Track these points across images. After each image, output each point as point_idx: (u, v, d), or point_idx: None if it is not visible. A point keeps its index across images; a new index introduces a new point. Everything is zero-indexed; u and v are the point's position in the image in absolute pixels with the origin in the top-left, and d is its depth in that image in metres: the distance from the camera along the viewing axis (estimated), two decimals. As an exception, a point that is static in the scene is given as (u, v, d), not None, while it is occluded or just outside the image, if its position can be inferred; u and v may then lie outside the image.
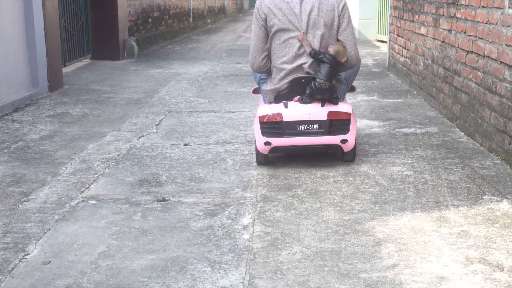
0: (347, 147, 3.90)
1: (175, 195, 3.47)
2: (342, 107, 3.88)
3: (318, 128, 3.83)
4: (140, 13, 11.24)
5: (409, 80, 6.89)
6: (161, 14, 12.72)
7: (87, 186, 3.64)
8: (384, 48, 10.59)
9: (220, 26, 18.52)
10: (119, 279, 2.50)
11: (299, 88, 3.88)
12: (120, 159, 4.18)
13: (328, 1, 3.87)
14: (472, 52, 4.66)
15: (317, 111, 3.83)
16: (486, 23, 4.34)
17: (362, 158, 4.14)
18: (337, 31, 3.91)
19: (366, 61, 9.25)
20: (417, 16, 6.57)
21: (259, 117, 3.86)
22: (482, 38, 4.43)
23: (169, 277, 2.51)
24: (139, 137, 4.76)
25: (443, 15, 5.49)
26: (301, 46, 3.86)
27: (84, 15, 9.37)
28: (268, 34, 3.93)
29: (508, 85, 3.93)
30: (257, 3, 3.95)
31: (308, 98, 3.84)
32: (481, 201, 3.32)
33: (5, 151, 4.39)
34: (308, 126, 3.83)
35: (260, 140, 3.87)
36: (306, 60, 3.87)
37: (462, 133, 4.78)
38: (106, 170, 3.94)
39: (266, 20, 3.89)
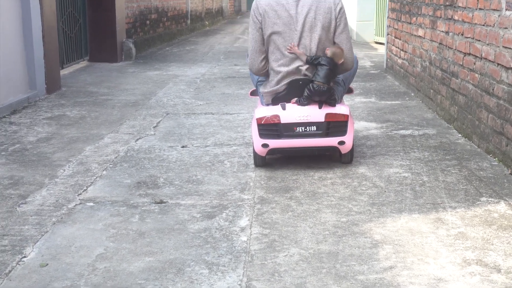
0: (344, 149, 3.90)
1: (172, 197, 3.47)
2: (340, 109, 3.89)
3: (315, 130, 3.83)
4: (138, 15, 11.24)
5: (407, 82, 6.90)
6: (159, 16, 12.72)
7: (85, 188, 3.63)
8: (382, 50, 10.61)
9: (218, 28, 18.53)
10: (117, 281, 2.50)
11: (297, 90, 3.89)
12: (117, 161, 4.18)
13: (325, 3, 3.87)
14: (469, 54, 4.67)
15: (314, 113, 3.83)
16: (483, 25, 4.35)
17: (360, 160, 4.14)
18: (334, 33, 3.91)
19: (363, 63, 9.26)
20: (414, 18, 6.58)
21: (257, 119, 3.86)
22: (479, 40, 4.44)
23: (166, 279, 2.51)
24: (137, 139, 4.76)
25: (441, 17, 5.50)
26: (298, 47, 3.86)
27: (82, 17, 9.37)
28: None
29: (505, 87, 3.94)
30: (253, 5, 3.96)
31: (306, 100, 3.84)
32: (478, 202, 3.33)
33: (2, 153, 4.38)
34: (306, 128, 3.83)
35: (257, 142, 3.87)
36: (303, 62, 3.87)
37: (460, 135, 4.78)
38: (104, 172, 3.94)
39: (262, 22, 3.89)
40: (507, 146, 3.90)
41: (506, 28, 3.93)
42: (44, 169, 4.01)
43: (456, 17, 5.02)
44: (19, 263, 2.67)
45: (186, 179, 3.79)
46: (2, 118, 5.51)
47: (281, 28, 3.86)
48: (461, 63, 4.88)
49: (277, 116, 3.83)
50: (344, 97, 4.52)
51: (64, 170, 3.99)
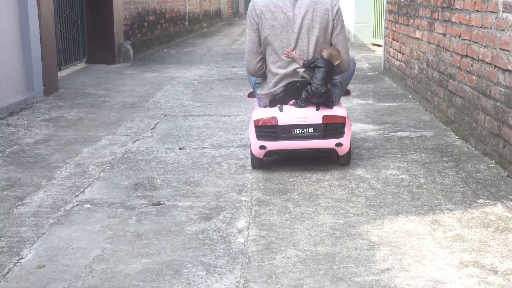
0: (342, 150, 3.91)
1: (170, 199, 3.47)
2: (337, 110, 3.89)
3: (313, 132, 3.84)
4: (135, 17, 11.24)
5: (404, 84, 6.91)
6: (156, 18, 12.72)
7: (82, 190, 3.63)
8: (379, 52, 10.62)
9: (216, 30, 18.54)
10: (114, 283, 2.50)
11: (294, 92, 3.89)
12: (115, 163, 4.18)
13: (322, 4, 3.88)
14: (466, 56, 4.68)
15: (312, 115, 3.83)
16: (480, 27, 4.36)
17: (357, 161, 4.14)
18: (331, 35, 3.91)
19: (361, 65, 9.27)
20: (412, 20, 6.59)
21: (254, 121, 3.87)
22: (476, 42, 4.45)
23: (163, 281, 2.51)
24: (134, 141, 4.76)
25: (438, 19, 5.51)
26: (295, 49, 3.86)
27: (80, 19, 9.37)
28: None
29: (502, 89, 3.95)
30: (250, 7, 3.96)
31: (304, 102, 3.85)
32: (475, 204, 3.33)
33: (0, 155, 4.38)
34: (303, 130, 3.84)
35: (255, 144, 3.87)
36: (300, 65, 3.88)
37: (457, 137, 4.79)
38: (101, 174, 3.94)
39: (259, 23, 3.89)
40: (504, 148, 3.91)
41: (503, 30, 3.93)
42: (41, 170, 4.01)
43: (453, 19, 5.03)
44: (16, 264, 2.66)
45: (184, 181, 3.79)
46: (-1, 119, 5.51)
47: (278, 30, 3.86)
48: (458, 65, 4.89)
49: (274, 118, 3.83)
50: (341, 99, 4.53)
51: (61, 171, 3.99)
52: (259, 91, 4.04)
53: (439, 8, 5.47)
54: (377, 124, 5.27)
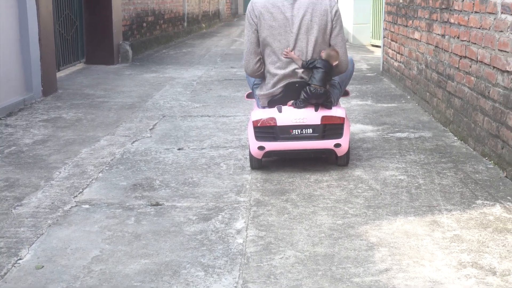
0: (340, 151, 3.91)
1: (168, 200, 3.47)
2: (336, 111, 3.89)
3: (311, 133, 3.84)
4: (134, 18, 11.24)
5: (403, 85, 6.92)
6: (155, 19, 12.72)
7: (81, 190, 3.63)
8: (378, 52, 10.63)
9: (215, 30, 18.54)
10: (112, 283, 2.49)
11: (293, 93, 3.89)
12: (113, 163, 4.18)
13: (321, 5, 3.88)
14: (465, 57, 4.68)
15: (310, 116, 3.83)
16: (479, 28, 4.36)
17: (356, 162, 4.14)
18: (330, 35, 3.91)
19: (360, 65, 9.27)
20: (410, 21, 6.60)
21: (253, 122, 3.87)
22: (475, 43, 4.45)
23: (162, 281, 2.51)
24: (133, 142, 4.76)
25: (437, 20, 5.51)
26: (294, 49, 3.86)
27: (79, 20, 9.36)
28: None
29: (501, 90, 3.95)
30: (249, 7, 3.96)
31: (303, 102, 3.85)
32: (474, 205, 3.33)
33: (-2, 155, 4.38)
34: (302, 131, 3.84)
35: (254, 145, 3.88)
36: (299, 66, 3.88)
37: (455, 138, 4.80)
38: (100, 174, 3.94)
39: (258, 24, 3.90)
40: (502, 149, 3.91)
41: (501, 31, 3.94)
42: (40, 171, 4.01)
43: (452, 20, 5.03)
44: (15, 265, 2.66)
45: (182, 182, 3.79)
46: (-2, 120, 5.51)
47: (277, 31, 3.86)
48: (457, 66, 4.89)
49: (273, 119, 3.83)
50: (340, 99, 4.53)
51: (60, 172, 3.98)
52: (257, 92, 4.04)
53: (438, 9, 5.47)
54: (375, 125, 5.27)
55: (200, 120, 5.56)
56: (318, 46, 3.88)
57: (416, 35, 6.30)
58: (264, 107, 4.01)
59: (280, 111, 3.86)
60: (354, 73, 4.47)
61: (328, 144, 3.86)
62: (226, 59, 10.55)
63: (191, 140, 4.80)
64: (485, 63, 4.23)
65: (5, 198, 3.49)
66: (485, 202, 3.38)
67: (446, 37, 5.19)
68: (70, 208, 3.35)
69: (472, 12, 4.52)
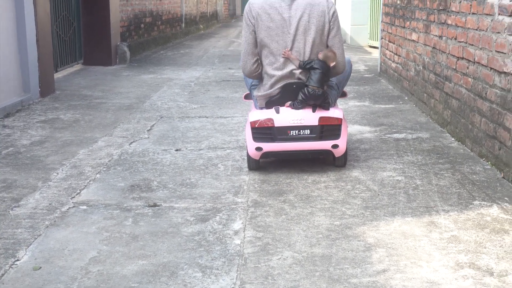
0: (338, 152, 3.91)
1: (166, 201, 3.47)
2: (333, 112, 3.90)
3: (309, 134, 3.84)
4: (132, 19, 11.24)
5: (401, 86, 6.92)
6: (153, 20, 12.72)
7: (78, 191, 3.63)
8: (376, 54, 10.64)
9: (213, 31, 18.55)
10: (110, 284, 2.49)
11: (291, 94, 3.89)
12: (111, 164, 4.18)
13: (318, 6, 3.88)
14: (462, 58, 4.69)
15: (308, 117, 3.84)
16: (476, 30, 4.37)
17: (353, 163, 4.15)
18: (327, 37, 3.92)
19: (357, 66, 9.28)
20: (408, 22, 6.61)
21: (251, 123, 3.87)
22: (472, 45, 4.46)
23: (160, 282, 2.51)
24: (131, 143, 4.76)
25: (434, 21, 5.52)
26: (291, 50, 3.87)
27: (76, 21, 9.36)
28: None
29: (498, 91, 3.96)
30: (246, 8, 3.96)
31: (300, 103, 3.85)
32: (471, 206, 3.34)
33: (-4, 156, 4.38)
34: (299, 132, 3.84)
35: (251, 146, 3.88)
36: (296, 66, 3.88)
37: (453, 139, 4.80)
38: (97, 175, 3.93)
39: (255, 25, 3.90)
40: (499, 150, 3.92)
41: (498, 32, 3.95)
42: (37, 172, 4.01)
43: (449, 22, 5.04)
44: (12, 266, 2.66)
45: (180, 183, 3.79)
46: (-5, 121, 5.51)
47: (274, 31, 3.86)
48: (454, 67, 4.90)
49: (271, 120, 3.84)
50: (338, 100, 4.53)
51: (57, 173, 3.98)
52: (255, 93, 4.05)
53: (435, 10, 5.48)
54: (373, 126, 5.28)
55: (198, 121, 5.56)
56: (316, 47, 3.89)
57: (414, 36, 6.31)
58: (261, 108, 4.01)
59: (277, 112, 3.86)
60: (351, 74, 4.47)
61: (325, 145, 3.86)
62: (224, 60, 10.55)
63: (188, 141, 4.80)
64: (482, 64, 4.24)
65: (3, 199, 3.49)
66: (483, 203, 3.38)
67: (444, 38, 5.19)
68: (67, 209, 3.35)
69: (469, 14, 4.52)
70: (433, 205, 3.35)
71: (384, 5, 8.03)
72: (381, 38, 8.23)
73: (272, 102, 3.95)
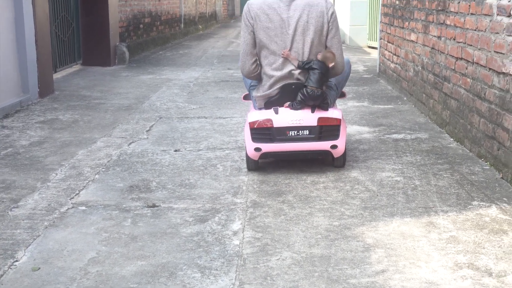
0: (337, 153, 3.91)
1: (165, 201, 3.47)
2: (332, 113, 3.90)
3: (308, 134, 3.84)
4: (131, 19, 11.24)
5: (399, 86, 6.93)
6: (152, 20, 12.72)
7: (77, 192, 3.63)
8: (375, 54, 10.65)
9: (212, 32, 18.55)
10: (109, 285, 2.49)
11: (289, 94, 3.90)
12: (110, 165, 4.18)
13: (317, 7, 3.89)
14: (461, 58, 4.70)
15: (307, 117, 3.84)
16: (475, 30, 4.37)
17: (352, 164, 4.15)
18: (326, 37, 3.92)
19: (356, 67, 9.29)
20: (407, 23, 6.61)
21: (250, 123, 3.87)
22: (471, 45, 4.46)
23: (159, 283, 2.51)
24: (130, 143, 4.76)
25: (433, 21, 5.52)
26: (290, 50, 3.87)
27: (75, 21, 9.36)
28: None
29: (497, 92, 3.96)
30: (245, 9, 3.96)
31: (299, 104, 3.85)
32: (470, 206, 3.34)
33: (-6, 157, 4.38)
34: (298, 132, 3.84)
35: (250, 146, 3.88)
36: (295, 67, 3.88)
37: (452, 139, 4.80)
38: (96, 176, 3.93)
39: (254, 25, 3.90)
40: (498, 150, 3.92)
41: (497, 33, 3.95)
42: (36, 173, 4.00)
43: (448, 22, 5.04)
44: (11, 267, 2.66)
45: (179, 183, 3.79)
46: (-6, 121, 5.50)
47: (273, 32, 3.87)
48: (453, 68, 4.90)
49: (269, 120, 3.84)
50: (337, 101, 4.53)
51: (56, 174, 3.98)
52: (254, 93, 4.05)
53: (434, 11, 5.48)
54: (372, 126, 5.28)
55: (197, 121, 5.56)
56: (315, 48, 3.89)
57: (413, 37, 6.32)
58: (260, 109, 4.01)
59: (276, 112, 3.87)
60: (350, 74, 4.47)
61: (324, 145, 3.86)
62: (222, 61, 10.55)
63: (187, 142, 4.80)
64: (481, 65, 4.24)
65: (1, 200, 3.49)
66: (481, 203, 3.39)
67: (442, 38, 5.20)
68: (66, 209, 3.35)
69: (468, 14, 4.53)
70: (432, 206, 3.35)
71: (383, 5, 8.03)
72: (380, 39, 8.24)
73: (271, 103, 3.95)
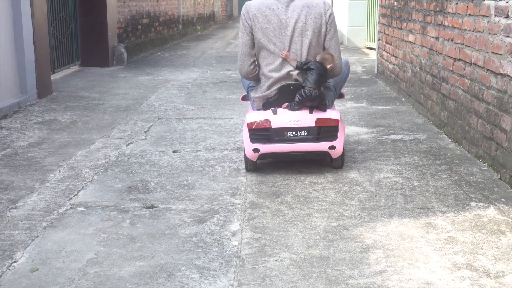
0: (335, 153, 3.92)
1: (163, 202, 3.47)
2: (330, 114, 3.90)
3: (306, 135, 3.85)
4: (129, 20, 11.24)
5: (398, 87, 6.93)
6: (150, 21, 12.72)
7: (76, 193, 3.63)
8: (373, 55, 10.65)
9: (210, 33, 18.55)
10: (107, 286, 2.49)
11: (288, 95, 3.90)
12: (108, 166, 4.18)
13: (315, 8, 3.89)
14: (459, 59, 4.70)
15: (305, 118, 3.84)
16: (473, 31, 4.38)
17: (351, 164, 4.15)
18: (324, 38, 3.93)
19: (355, 68, 9.29)
20: (405, 24, 6.62)
21: (248, 124, 3.87)
22: (469, 46, 4.47)
23: (157, 284, 2.51)
24: (128, 144, 4.76)
25: (431, 22, 5.53)
26: (289, 51, 3.87)
27: (73, 22, 9.36)
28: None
29: (495, 92, 3.97)
30: (243, 10, 3.97)
31: (297, 105, 3.86)
32: (468, 207, 3.34)
33: (-7, 158, 4.37)
34: (297, 133, 3.85)
35: (248, 147, 3.88)
36: (293, 68, 3.89)
37: (450, 140, 4.81)
38: (95, 177, 3.93)
39: (252, 26, 3.91)
40: (496, 151, 3.93)
41: (495, 34, 3.96)
42: (34, 173, 4.00)
43: (446, 23, 5.05)
44: (9, 268, 2.66)
45: (177, 184, 3.79)
46: (-8, 122, 5.50)
47: (272, 33, 3.87)
48: (451, 69, 4.91)
49: (268, 121, 3.84)
50: (335, 102, 4.54)
51: (54, 174, 3.98)
52: (252, 94, 4.05)
53: (432, 12, 5.49)
54: (370, 127, 5.28)
55: (195, 122, 5.56)
56: (313, 49, 3.89)
57: (411, 38, 6.32)
58: (259, 109, 4.01)
59: (275, 113, 3.87)
60: (349, 75, 4.47)
61: (323, 146, 3.87)
62: (221, 62, 10.56)
63: (186, 143, 4.80)
64: (479, 66, 4.25)
65: (0, 201, 3.49)
66: (479, 204, 3.39)
67: (440, 39, 5.20)
68: (65, 210, 3.34)
69: (466, 15, 4.54)
70: (430, 206, 3.35)
71: (381, 6, 8.04)
72: (378, 40, 8.24)
73: (269, 104, 3.96)
